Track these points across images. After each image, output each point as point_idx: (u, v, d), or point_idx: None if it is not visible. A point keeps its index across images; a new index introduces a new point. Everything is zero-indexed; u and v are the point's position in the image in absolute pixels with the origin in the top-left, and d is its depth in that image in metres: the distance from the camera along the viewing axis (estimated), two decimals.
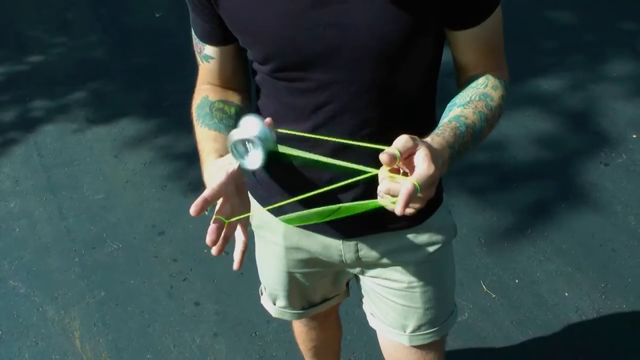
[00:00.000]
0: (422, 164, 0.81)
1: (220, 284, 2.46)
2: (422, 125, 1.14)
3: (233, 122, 1.12)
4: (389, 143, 1.08)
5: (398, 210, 0.79)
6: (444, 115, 1.05)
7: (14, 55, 4.24)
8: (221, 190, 0.89)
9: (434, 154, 0.83)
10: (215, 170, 0.97)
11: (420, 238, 1.23)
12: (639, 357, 2.11)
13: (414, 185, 0.79)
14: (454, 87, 1.13)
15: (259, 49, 1.05)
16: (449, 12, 1.00)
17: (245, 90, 1.22)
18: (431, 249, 1.24)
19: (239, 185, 0.95)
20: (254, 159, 0.92)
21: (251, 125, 0.92)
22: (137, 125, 3.43)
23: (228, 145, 0.92)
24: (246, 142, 0.91)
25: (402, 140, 0.82)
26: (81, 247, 2.67)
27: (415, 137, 0.84)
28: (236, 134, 0.91)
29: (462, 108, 1.02)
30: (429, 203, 1.20)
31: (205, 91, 1.17)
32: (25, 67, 4.14)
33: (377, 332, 1.42)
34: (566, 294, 2.32)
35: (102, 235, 2.72)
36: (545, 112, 3.31)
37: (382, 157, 0.80)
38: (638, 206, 2.68)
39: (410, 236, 1.22)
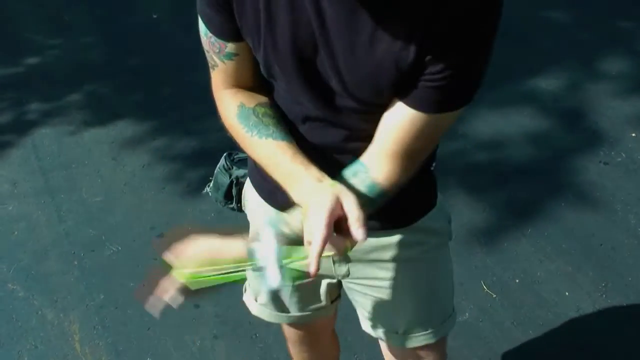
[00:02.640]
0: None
1: (220, 286, 2.45)
2: None
3: (282, 125, 1.08)
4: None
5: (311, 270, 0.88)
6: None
7: (10, 57, 4.22)
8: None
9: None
10: (325, 205, 0.92)
11: (410, 237, 1.23)
12: None
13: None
14: None
15: (258, 55, 1.03)
16: (412, 77, 0.92)
17: (264, 88, 1.15)
18: (419, 249, 1.24)
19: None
20: (273, 277, 0.95)
21: (269, 245, 0.95)
22: (135, 127, 3.42)
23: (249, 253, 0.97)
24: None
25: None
26: (80, 250, 2.66)
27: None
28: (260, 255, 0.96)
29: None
30: (420, 205, 1.21)
31: (235, 97, 1.10)
32: (22, 68, 4.12)
33: (374, 336, 1.41)
34: (567, 294, 2.32)
35: (101, 237, 2.71)
36: (544, 111, 3.31)
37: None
38: (638, 205, 2.68)
39: (400, 235, 1.22)
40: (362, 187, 1.02)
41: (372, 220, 1.17)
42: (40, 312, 2.40)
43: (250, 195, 1.32)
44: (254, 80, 1.11)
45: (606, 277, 2.37)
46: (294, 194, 1.00)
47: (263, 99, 1.11)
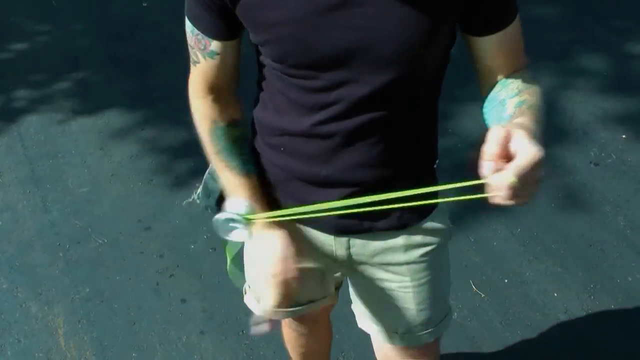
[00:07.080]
0: (523, 151, 0.80)
1: (208, 280, 2.43)
2: (423, 123, 1.17)
3: (240, 148, 1.18)
4: (389, 142, 1.11)
5: (497, 200, 0.84)
6: (488, 112, 1.06)
7: None
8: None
9: (530, 136, 0.82)
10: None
11: (414, 239, 1.23)
12: (628, 357, 2.12)
13: (512, 182, 0.80)
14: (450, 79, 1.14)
15: (273, 48, 1.04)
16: (474, 18, 1.01)
17: (236, 94, 1.21)
18: (424, 250, 1.24)
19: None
20: (240, 236, 1.10)
21: (238, 205, 1.11)
22: (123, 117, 3.38)
23: (214, 225, 1.09)
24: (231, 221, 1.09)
25: (494, 137, 0.84)
26: (66, 241, 2.63)
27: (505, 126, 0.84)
28: (223, 215, 1.08)
29: (517, 96, 1.03)
30: (424, 205, 1.20)
31: (209, 110, 1.17)
32: (8, 55, 4.05)
33: (371, 334, 1.41)
34: (555, 294, 2.32)
35: (87, 229, 2.68)
36: None
37: (484, 170, 0.83)
38: (627, 207, 2.68)
39: (404, 237, 1.22)
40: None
41: (382, 220, 1.17)
42: (24, 305, 2.37)
43: None
44: (231, 84, 1.17)
45: (595, 278, 2.38)
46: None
47: (232, 111, 1.18)
